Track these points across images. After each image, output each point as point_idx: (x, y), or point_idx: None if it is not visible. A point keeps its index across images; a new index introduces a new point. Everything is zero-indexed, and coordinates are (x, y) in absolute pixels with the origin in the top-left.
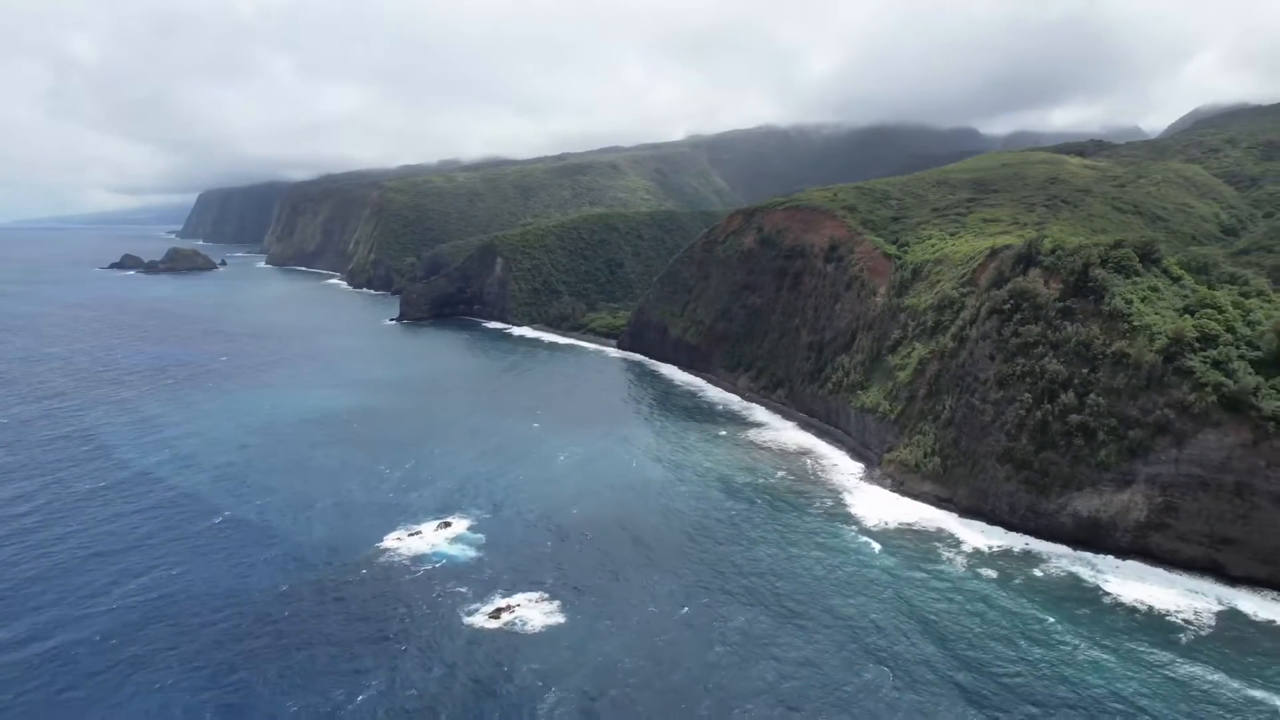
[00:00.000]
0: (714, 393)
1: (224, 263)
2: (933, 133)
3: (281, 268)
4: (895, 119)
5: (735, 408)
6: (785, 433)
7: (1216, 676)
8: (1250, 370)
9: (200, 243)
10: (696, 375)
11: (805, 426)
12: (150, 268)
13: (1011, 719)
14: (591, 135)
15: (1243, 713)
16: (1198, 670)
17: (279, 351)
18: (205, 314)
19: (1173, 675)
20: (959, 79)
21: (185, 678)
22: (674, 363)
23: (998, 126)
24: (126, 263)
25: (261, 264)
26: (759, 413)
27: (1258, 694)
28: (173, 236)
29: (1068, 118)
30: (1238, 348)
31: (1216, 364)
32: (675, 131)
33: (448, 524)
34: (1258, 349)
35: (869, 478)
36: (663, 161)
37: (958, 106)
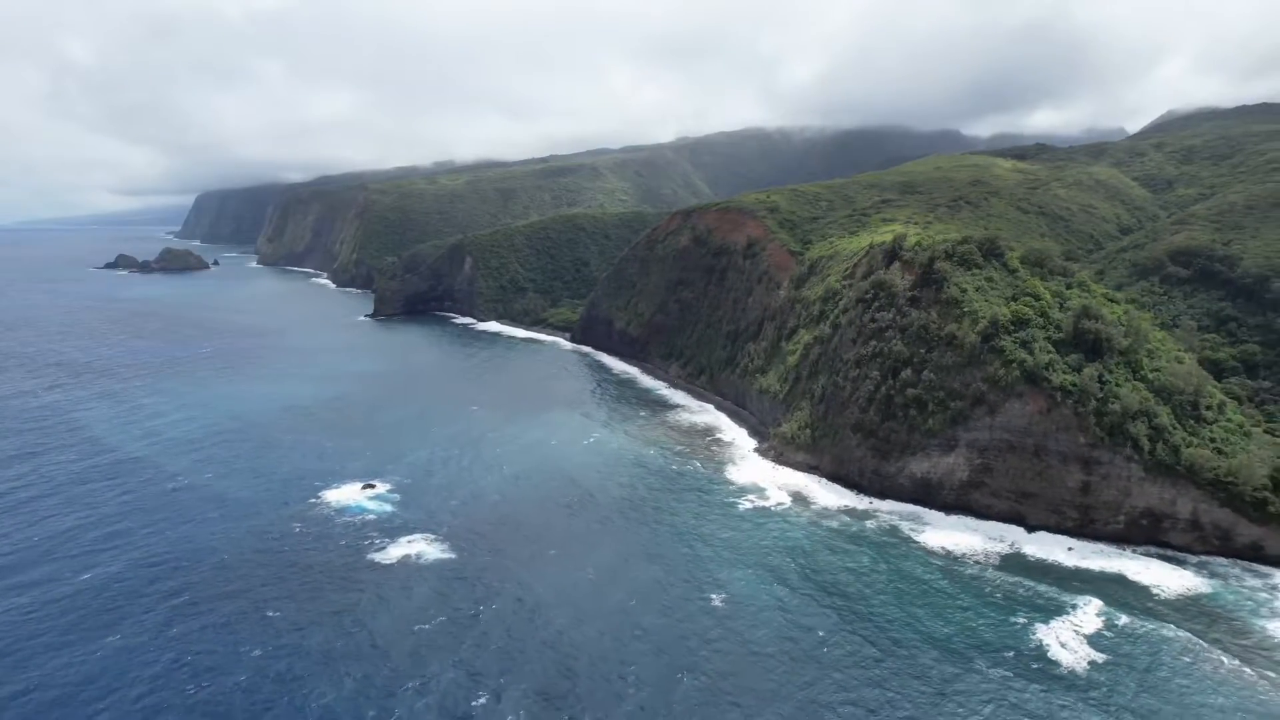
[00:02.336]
0: (647, 381)
1: (216, 263)
2: (915, 135)
3: (272, 267)
4: (877, 122)
5: (661, 393)
6: (699, 415)
7: (973, 585)
8: (1050, 349)
9: (197, 243)
10: (635, 365)
11: (720, 409)
12: (144, 268)
13: (819, 602)
14: (579, 138)
15: (968, 607)
16: (960, 583)
17: (258, 346)
18: (193, 311)
19: (936, 587)
20: (939, 83)
21: (153, 612)
22: (617, 354)
23: (980, 129)
24: (121, 263)
25: (253, 264)
26: (680, 397)
27: (988, 592)
28: (170, 237)
29: (1052, 120)
30: (1045, 330)
31: (1023, 344)
32: (662, 134)
33: (371, 485)
34: (1061, 331)
35: (758, 450)
36: (644, 165)
37: (939, 110)
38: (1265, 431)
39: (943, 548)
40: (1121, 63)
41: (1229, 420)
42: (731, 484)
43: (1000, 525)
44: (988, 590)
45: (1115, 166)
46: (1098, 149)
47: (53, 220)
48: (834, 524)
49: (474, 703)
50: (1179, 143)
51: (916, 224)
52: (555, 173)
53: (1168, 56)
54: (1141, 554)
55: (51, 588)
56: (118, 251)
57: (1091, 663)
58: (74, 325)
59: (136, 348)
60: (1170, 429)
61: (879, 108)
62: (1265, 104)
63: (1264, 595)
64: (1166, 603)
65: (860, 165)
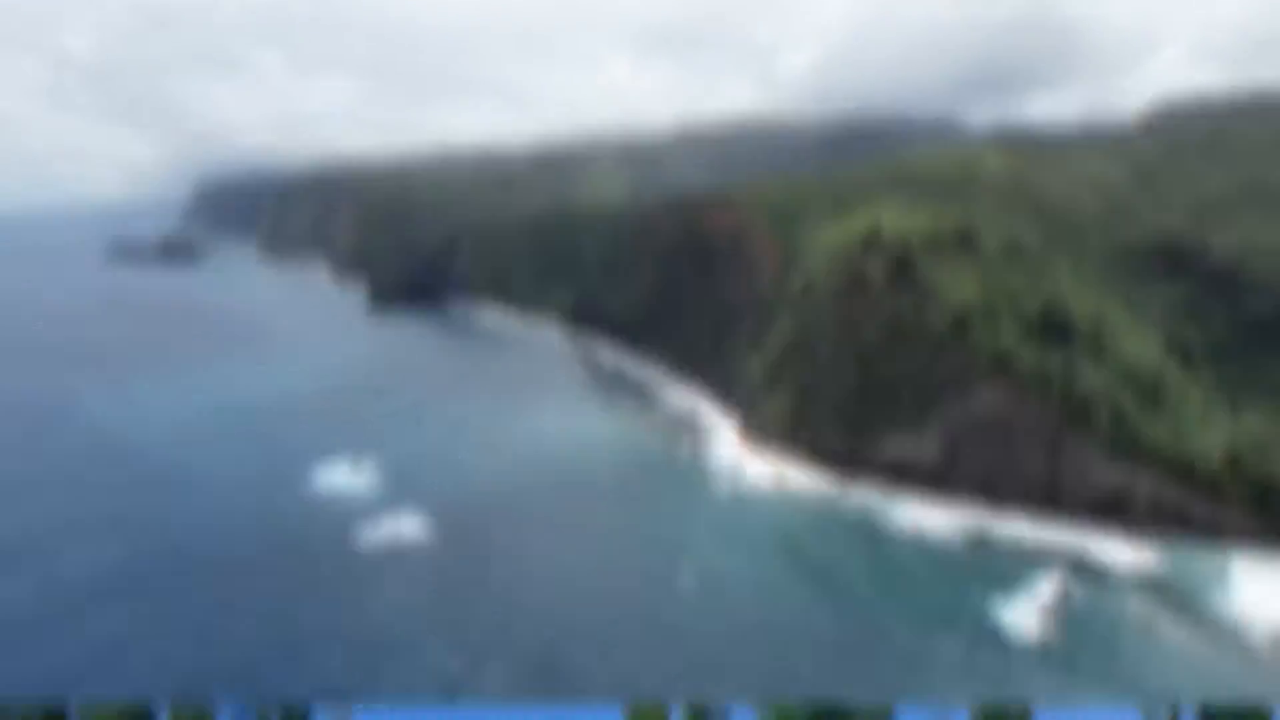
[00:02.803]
0: (636, 369)
1: (214, 253)
2: (913, 122)
3: (269, 257)
4: (875, 109)
5: (649, 381)
6: (685, 402)
7: (941, 561)
8: (1018, 335)
9: (195, 234)
10: (626, 354)
11: (705, 396)
12: (142, 257)
13: (794, 577)
14: (577, 128)
15: (935, 581)
16: (929, 560)
17: (254, 335)
18: (189, 301)
19: (906, 564)
20: (936, 71)
21: (148, 590)
22: (609, 343)
23: (977, 116)
24: (118, 253)
25: (251, 254)
26: (668, 385)
27: (955, 568)
28: (170, 227)
29: (1049, 107)
30: (1014, 317)
31: (993, 330)
32: (658, 124)
33: (363, 469)
34: (1029, 317)
35: (739, 435)
36: (641, 154)
37: (937, 97)
38: (1230, 415)
39: (913, 527)
40: (1117, 51)
41: (1189, 403)
42: (713, 468)
43: (968, 505)
44: (955, 566)
45: (1103, 155)
46: (1088, 138)
47: (51, 210)
48: (810, 505)
49: (458, 672)
50: (1168, 132)
51: (897, 214)
52: (553, 163)
53: (1163, 45)
54: (1103, 531)
55: (48, 570)
56: (115, 242)
57: (1050, 632)
58: (70, 315)
59: (132, 337)
60: (1132, 412)
61: (877, 95)
62: (1258, 92)
63: (1216, 570)
64: (1124, 578)
65: (858, 153)
